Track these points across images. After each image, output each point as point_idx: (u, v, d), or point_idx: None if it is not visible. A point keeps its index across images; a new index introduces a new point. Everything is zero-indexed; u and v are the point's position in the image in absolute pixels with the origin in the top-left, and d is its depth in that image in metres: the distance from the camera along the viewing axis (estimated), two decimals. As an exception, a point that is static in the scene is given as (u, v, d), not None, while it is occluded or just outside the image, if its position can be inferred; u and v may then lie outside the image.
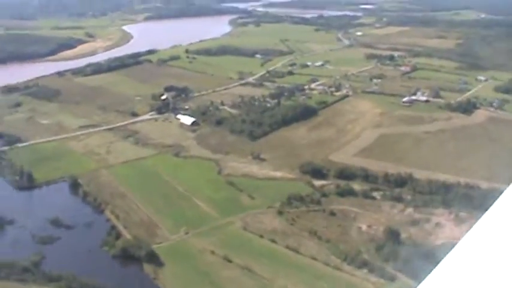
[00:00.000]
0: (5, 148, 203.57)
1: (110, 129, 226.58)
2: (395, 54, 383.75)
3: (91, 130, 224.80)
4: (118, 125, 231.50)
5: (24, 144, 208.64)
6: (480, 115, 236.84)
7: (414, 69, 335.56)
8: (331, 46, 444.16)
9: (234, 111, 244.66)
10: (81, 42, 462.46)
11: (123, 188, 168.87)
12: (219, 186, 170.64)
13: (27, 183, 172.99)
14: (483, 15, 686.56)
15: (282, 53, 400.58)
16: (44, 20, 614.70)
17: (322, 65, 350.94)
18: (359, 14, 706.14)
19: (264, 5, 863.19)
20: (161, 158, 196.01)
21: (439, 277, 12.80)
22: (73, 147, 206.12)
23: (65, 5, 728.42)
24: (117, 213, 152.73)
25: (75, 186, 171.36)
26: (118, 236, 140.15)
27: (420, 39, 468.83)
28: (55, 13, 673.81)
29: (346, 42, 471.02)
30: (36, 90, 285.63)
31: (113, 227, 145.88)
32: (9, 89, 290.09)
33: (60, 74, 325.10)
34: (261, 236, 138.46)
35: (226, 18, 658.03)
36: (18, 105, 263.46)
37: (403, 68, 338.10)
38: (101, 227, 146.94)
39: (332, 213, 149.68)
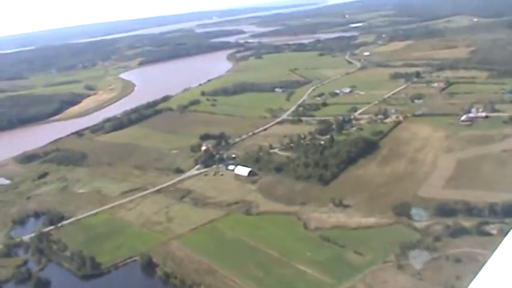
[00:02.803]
0: (50, 228, 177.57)
1: (157, 192, 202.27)
2: (418, 70, 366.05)
3: (137, 195, 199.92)
4: (165, 185, 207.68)
5: (70, 220, 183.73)
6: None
7: (448, 84, 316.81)
8: (345, 70, 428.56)
9: (287, 154, 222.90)
10: (83, 96, 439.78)
11: (207, 261, 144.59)
12: (315, 244, 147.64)
13: (91, 269, 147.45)
14: (476, 20, 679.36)
15: (300, 84, 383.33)
16: (34, 78, 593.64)
17: (351, 91, 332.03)
18: (355, 33, 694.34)
19: (252, 36, 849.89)
20: (232, 218, 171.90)
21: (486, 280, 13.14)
22: (126, 218, 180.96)
23: (51, 60, 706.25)
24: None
25: (149, 266, 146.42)
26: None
27: (431, 52, 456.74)
28: (42, 69, 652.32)
29: (358, 64, 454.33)
30: (59, 156, 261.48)
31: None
32: (28, 157, 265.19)
33: (78, 134, 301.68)
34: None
35: (222, 54, 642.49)
36: (44, 175, 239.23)
37: (436, 85, 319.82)
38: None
39: (457, 260, 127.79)
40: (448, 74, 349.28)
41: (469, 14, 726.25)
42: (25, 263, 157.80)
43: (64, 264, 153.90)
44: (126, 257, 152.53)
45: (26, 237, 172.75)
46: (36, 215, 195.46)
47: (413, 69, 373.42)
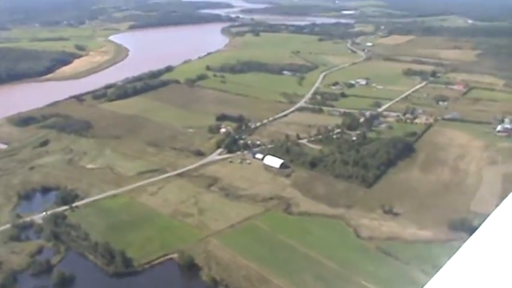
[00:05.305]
0: (64, 209, 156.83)
1: (180, 176, 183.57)
2: (432, 69, 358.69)
3: (157, 178, 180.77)
4: (186, 169, 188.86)
5: (85, 201, 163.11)
6: None
7: (468, 88, 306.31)
8: (350, 58, 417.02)
9: (317, 146, 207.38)
10: (74, 56, 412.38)
11: (256, 267, 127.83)
12: (373, 256, 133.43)
13: (122, 266, 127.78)
14: (470, 21, 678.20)
15: (308, 68, 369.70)
16: (17, 30, 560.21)
17: (367, 83, 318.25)
18: (350, 21, 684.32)
19: (242, 11, 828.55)
20: (272, 217, 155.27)
21: (443, 279, 12.52)
22: (150, 205, 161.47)
23: (33, 13, 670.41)
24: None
25: (189, 267, 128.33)
26: None
27: (435, 50, 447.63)
28: (26, 22, 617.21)
29: (362, 54, 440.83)
30: (59, 122, 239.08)
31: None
32: (24, 120, 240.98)
33: (78, 98, 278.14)
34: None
35: (214, 26, 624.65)
36: (45, 143, 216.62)
37: (456, 87, 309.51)
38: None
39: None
40: (464, 76, 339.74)
41: (462, 15, 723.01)
42: (40, 250, 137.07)
43: (88, 255, 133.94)
44: (161, 254, 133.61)
45: (37, 217, 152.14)
46: (44, 189, 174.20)
47: (424, 67, 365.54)
